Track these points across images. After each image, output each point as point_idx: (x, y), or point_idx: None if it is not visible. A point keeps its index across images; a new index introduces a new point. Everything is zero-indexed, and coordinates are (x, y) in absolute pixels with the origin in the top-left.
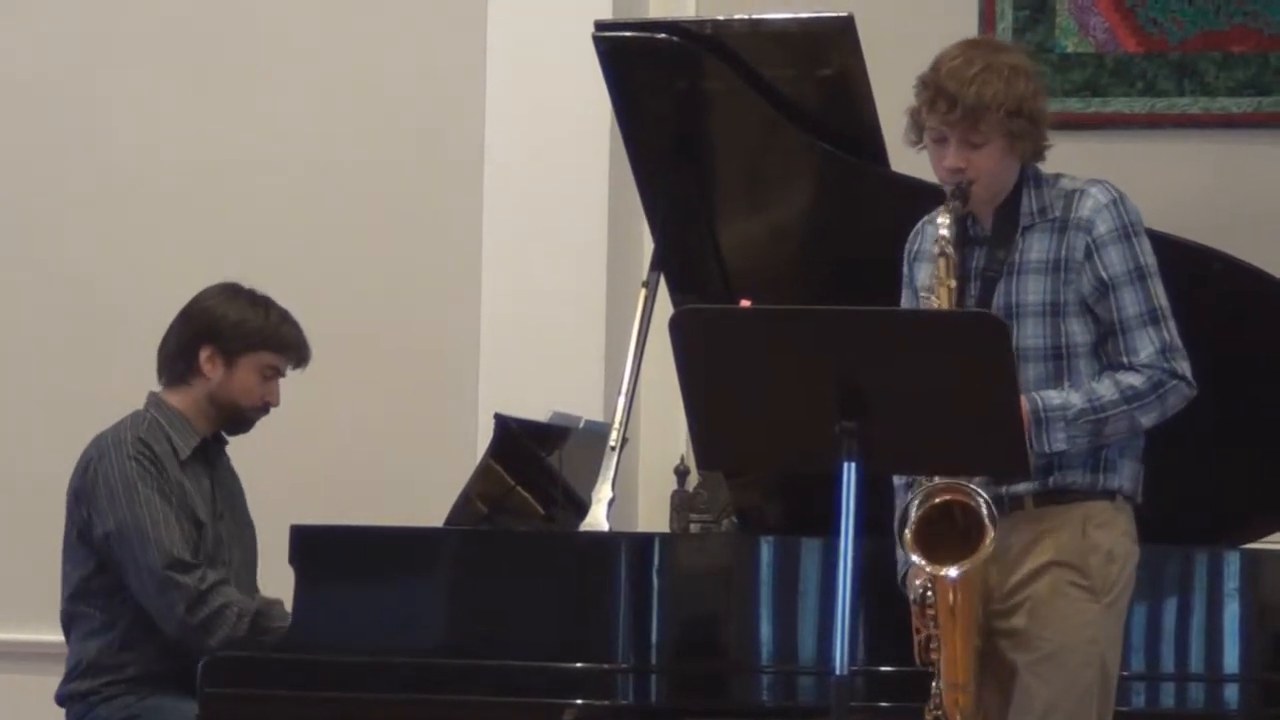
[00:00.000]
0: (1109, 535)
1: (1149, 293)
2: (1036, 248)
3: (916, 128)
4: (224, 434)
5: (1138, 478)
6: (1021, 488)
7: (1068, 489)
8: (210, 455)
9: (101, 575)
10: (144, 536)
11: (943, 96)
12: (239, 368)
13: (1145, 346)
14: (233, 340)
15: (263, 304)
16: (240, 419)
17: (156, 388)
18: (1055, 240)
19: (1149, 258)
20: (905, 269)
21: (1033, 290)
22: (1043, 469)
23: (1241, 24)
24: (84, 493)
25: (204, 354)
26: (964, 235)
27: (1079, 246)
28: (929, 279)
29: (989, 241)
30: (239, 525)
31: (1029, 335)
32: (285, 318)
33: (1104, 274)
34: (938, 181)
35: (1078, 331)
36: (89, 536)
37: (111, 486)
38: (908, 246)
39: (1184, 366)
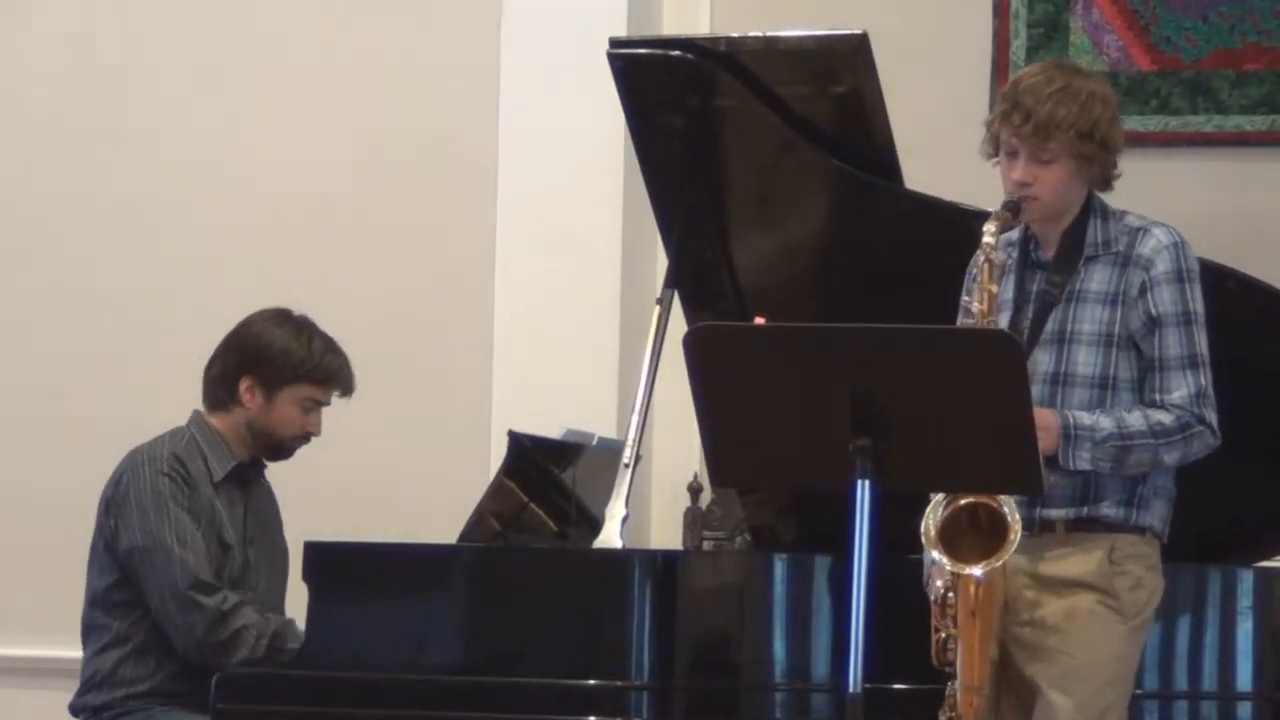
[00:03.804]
0: (1137, 565)
1: (1192, 338)
2: (1098, 279)
3: (992, 140)
4: (263, 459)
5: (1167, 519)
6: (1055, 513)
7: (1100, 520)
8: (247, 479)
9: (123, 588)
10: (169, 554)
11: (1018, 110)
12: (278, 400)
13: (1180, 388)
14: (273, 372)
15: (307, 333)
16: (279, 448)
17: (179, 405)
18: (1116, 274)
19: (1199, 305)
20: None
21: (1089, 319)
22: (1078, 498)
23: (1256, 42)
24: (113, 504)
25: (244, 384)
26: (1025, 260)
27: (1135, 283)
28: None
29: (1050, 267)
30: (270, 550)
31: (1081, 362)
32: (329, 348)
33: (1154, 311)
34: (950, 202)
35: (1125, 365)
36: (114, 548)
37: (141, 501)
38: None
39: (1212, 416)
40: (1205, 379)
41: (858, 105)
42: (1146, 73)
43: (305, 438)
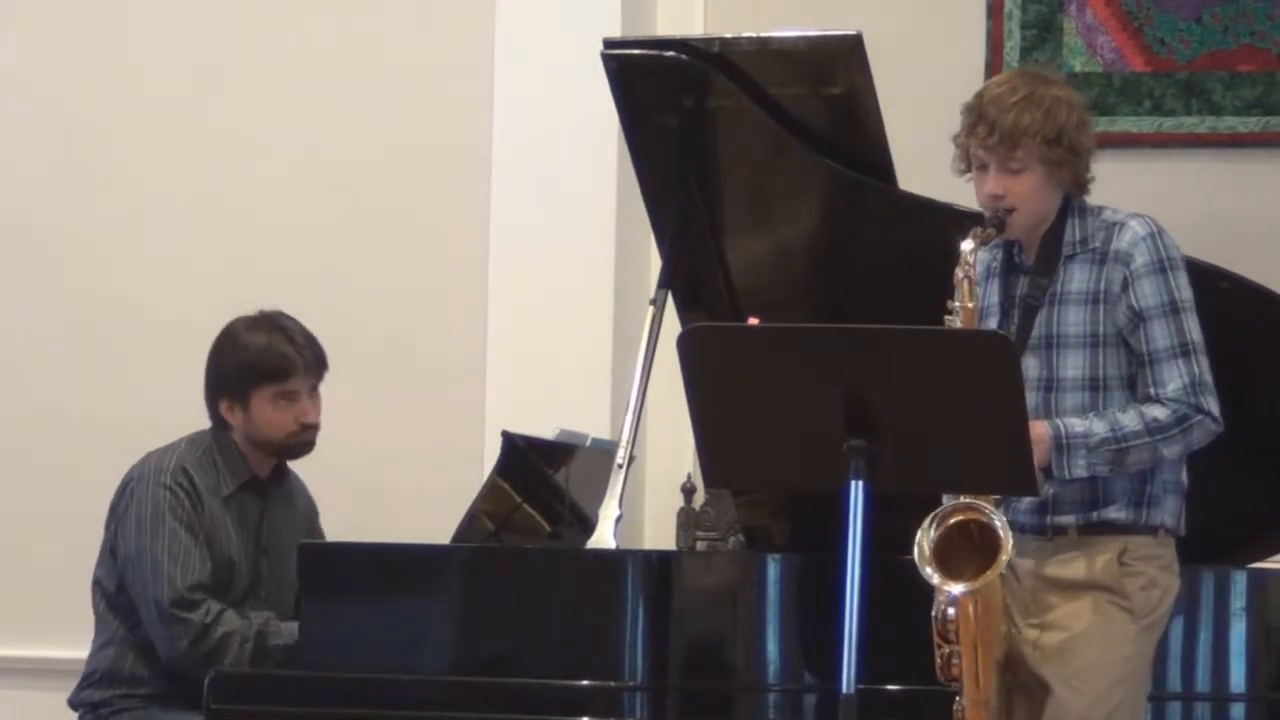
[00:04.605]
0: (1150, 566)
1: (1181, 326)
2: (1078, 278)
3: (964, 156)
4: (286, 462)
5: (1180, 512)
6: (1066, 519)
7: (1111, 523)
8: (267, 490)
9: (123, 593)
10: (158, 568)
11: (983, 121)
12: (252, 408)
13: (1173, 380)
14: (234, 386)
15: (254, 334)
16: (285, 448)
17: (180, 405)
18: (1096, 272)
19: (1184, 292)
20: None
21: (1073, 321)
22: (1087, 503)
23: (1249, 44)
24: (117, 510)
25: (222, 406)
26: (1009, 264)
27: (1117, 279)
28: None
29: (1032, 270)
30: (288, 560)
31: (1069, 365)
32: (282, 339)
33: (1137, 305)
34: (944, 203)
35: (1113, 364)
36: (115, 553)
37: (141, 513)
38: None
39: (1211, 403)
40: (1199, 366)
41: (851, 106)
42: (1140, 74)
43: (305, 428)
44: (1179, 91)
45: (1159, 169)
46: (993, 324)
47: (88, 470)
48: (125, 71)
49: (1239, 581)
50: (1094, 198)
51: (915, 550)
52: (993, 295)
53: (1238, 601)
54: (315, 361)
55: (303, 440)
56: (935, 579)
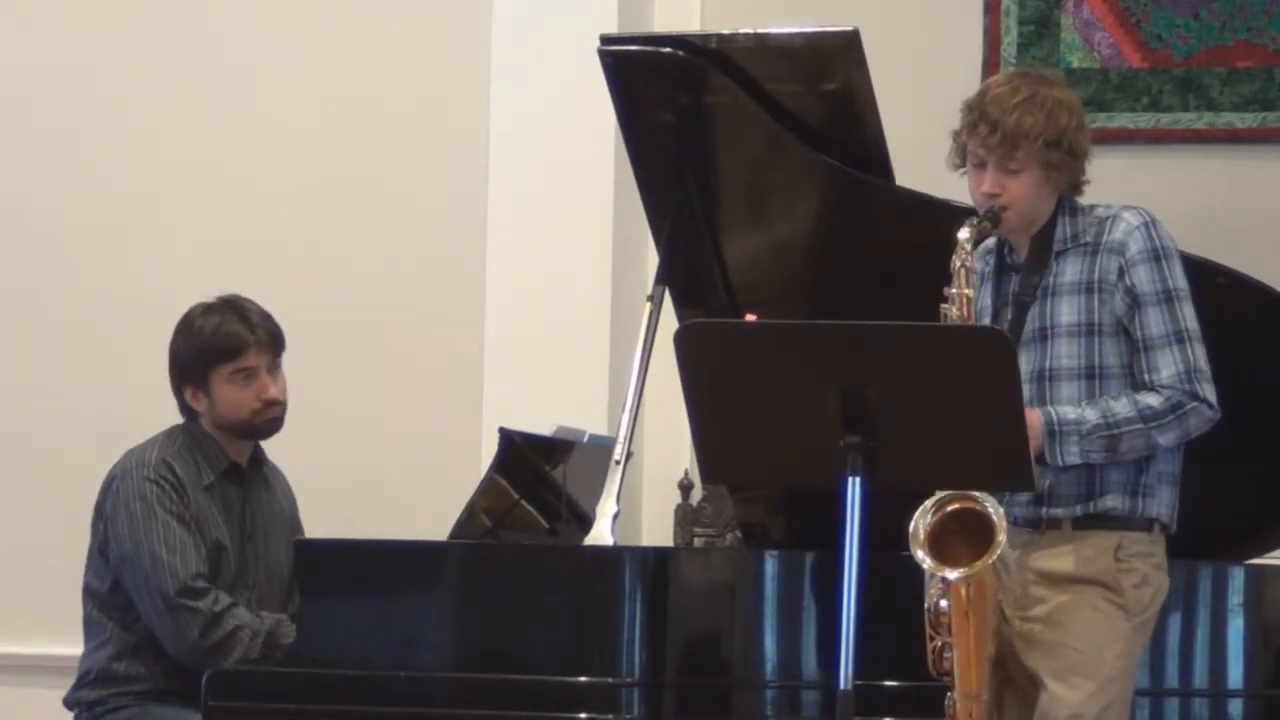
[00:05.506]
0: (1144, 564)
1: (1176, 314)
2: (1070, 271)
3: (959, 151)
4: (259, 444)
5: (1174, 505)
6: (1060, 511)
7: (1107, 514)
8: (248, 477)
9: (118, 591)
10: (157, 562)
11: (984, 120)
12: (214, 391)
13: (1167, 367)
14: (193, 372)
15: (205, 318)
16: (253, 429)
17: (166, 404)
18: (1088, 263)
19: (1179, 281)
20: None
21: (1066, 311)
22: (1083, 495)
23: (1246, 39)
24: (104, 510)
25: (187, 394)
26: (1001, 264)
27: (1112, 268)
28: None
29: (1024, 268)
30: (272, 546)
31: (1062, 355)
32: (233, 318)
33: (1133, 292)
34: (942, 200)
35: (1111, 353)
36: (106, 554)
37: (130, 509)
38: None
39: (1207, 390)
40: (1194, 353)
41: (848, 102)
42: (1137, 70)
43: (268, 405)
44: (1176, 88)
45: (1156, 165)
46: (986, 322)
47: (86, 467)
48: (125, 70)
49: (1237, 578)
50: (1091, 194)
51: (910, 533)
52: (985, 298)
53: (1236, 598)
54: (270, 338)
55: (268, 418)
56: (927, 564)
